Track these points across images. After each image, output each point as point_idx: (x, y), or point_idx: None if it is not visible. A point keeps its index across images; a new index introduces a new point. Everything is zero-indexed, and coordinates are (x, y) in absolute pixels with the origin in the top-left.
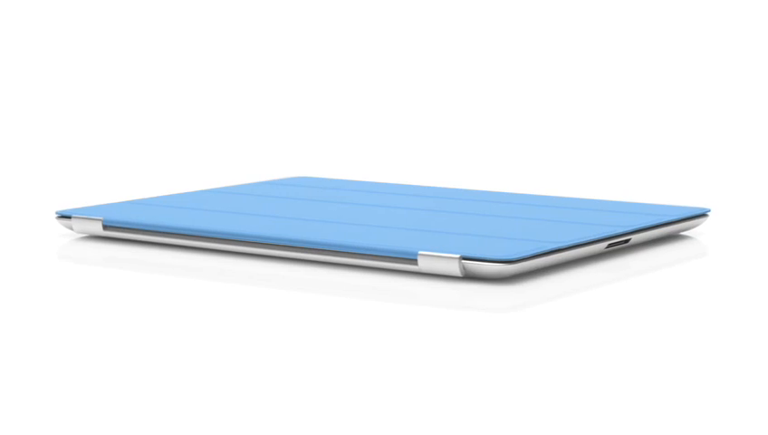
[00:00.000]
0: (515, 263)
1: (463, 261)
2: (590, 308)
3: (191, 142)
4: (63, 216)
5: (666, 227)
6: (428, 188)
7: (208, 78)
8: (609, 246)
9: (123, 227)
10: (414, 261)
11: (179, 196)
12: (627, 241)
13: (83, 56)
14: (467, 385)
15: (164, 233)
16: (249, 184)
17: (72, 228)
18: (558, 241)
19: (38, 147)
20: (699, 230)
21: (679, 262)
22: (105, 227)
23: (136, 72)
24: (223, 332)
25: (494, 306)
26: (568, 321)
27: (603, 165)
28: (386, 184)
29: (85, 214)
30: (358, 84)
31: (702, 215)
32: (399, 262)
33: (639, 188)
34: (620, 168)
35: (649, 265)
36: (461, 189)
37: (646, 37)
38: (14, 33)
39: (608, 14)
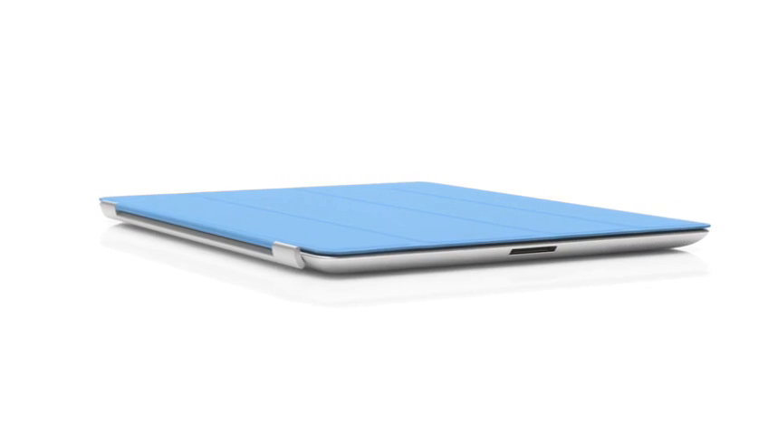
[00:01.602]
0: (344, 257)
1: (301, 253)
2: (422, 315)
3: (355, 144)
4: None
5: (635, 238)
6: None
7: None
8: (515, 251)
9: (133, 214)
10: (270, 250)
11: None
12: (551, 249)
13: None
14: (257, 372)
15: (165, 223)
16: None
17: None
18: (425, 240)
19: (145, 140)
20: (697, 246)
21: (611, 281)
22: (118, 213)
23: (260, 68)
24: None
25: (320, 300)
26: (379, 325)
27: (624, 181)
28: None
29: (108, 200)
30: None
31: (698, 229)
32: (259, 250)
33: (652, 203)
34: (639, 184)
35: (587, 279)
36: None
37: (652, 54)
38: (77, 33)
39: (602, 25)
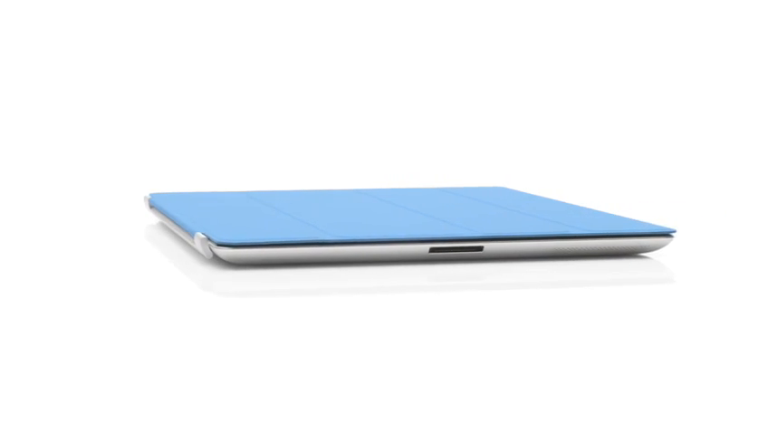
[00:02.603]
0: (240, 248)
1: (208, 243)
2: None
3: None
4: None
5: (589, 241)
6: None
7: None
8: (434, 250)
9: (157, 209)
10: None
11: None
12: (478, 249)
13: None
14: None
15: (166, 219)
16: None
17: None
18: (336, 234)
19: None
20: (662, 252)
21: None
22: (151, 207)
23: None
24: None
25: (219, 290)
26: (265, 318)
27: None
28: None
29: (149, 195)
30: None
31: (662, 235)
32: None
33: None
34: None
35: (512, 281)
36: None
37: (626, 60)
38: (128, 39)
39: (571, 32)
